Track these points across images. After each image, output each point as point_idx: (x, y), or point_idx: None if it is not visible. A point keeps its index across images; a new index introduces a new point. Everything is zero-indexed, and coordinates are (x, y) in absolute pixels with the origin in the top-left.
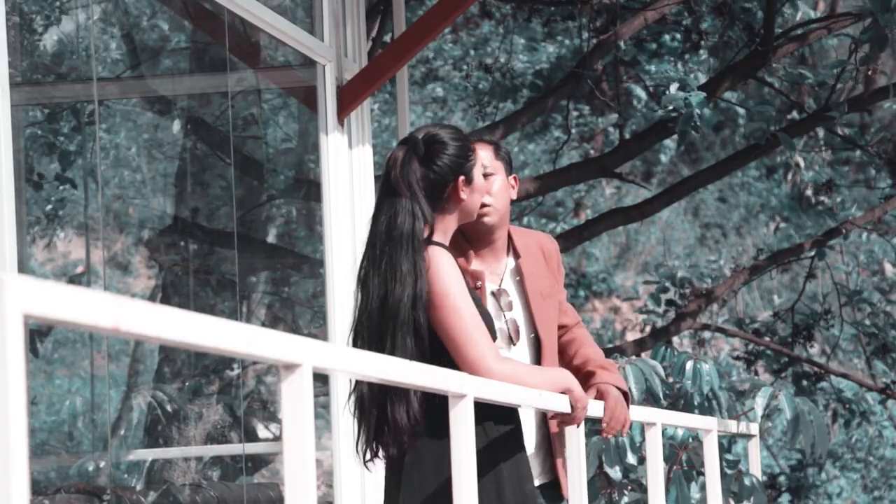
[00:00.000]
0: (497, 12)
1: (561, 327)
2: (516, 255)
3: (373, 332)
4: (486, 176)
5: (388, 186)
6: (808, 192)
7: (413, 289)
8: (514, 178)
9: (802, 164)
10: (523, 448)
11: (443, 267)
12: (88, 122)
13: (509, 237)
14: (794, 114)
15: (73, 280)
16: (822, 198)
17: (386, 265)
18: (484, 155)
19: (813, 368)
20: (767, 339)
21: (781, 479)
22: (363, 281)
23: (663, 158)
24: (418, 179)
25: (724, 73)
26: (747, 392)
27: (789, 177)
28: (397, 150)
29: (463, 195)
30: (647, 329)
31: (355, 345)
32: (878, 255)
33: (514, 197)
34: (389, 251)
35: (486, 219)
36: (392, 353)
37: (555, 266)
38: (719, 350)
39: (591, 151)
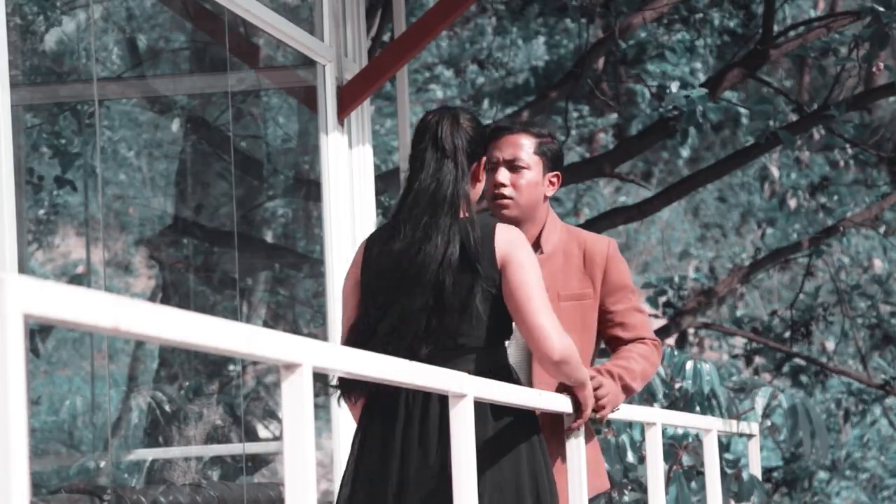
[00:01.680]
0: (490, 7)
1: (614, 339)
2: (539, 253)
3: (390, 283)
4: (516, 169)
5: (436, 145)
6: (789, 198)
7: (444, 251)
8: (558, 175)
9: (777, 174)
10: None
11: (527, 245)
12: (88, 123)
13: (539, 234)
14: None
15: (73, 280)
16: (805, 202)
17: (425, 224)
18: (525, 146)
19: (813, 366)
20: (766, 337)
21: (776, 474)
22: (392, 228)
23: (683, 153)
24: (463, 148)
25: (724, 73)
26: (747, 391)
27: (766, 186)
28: (440, 116)
29: (481, 176)
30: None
31: (362, 296)
32: (865, 254)
33: (550, 194)
34: (430, 211)
35: (504, 211)
36: (406, 303)
37: (597, 270)
38: (720, 350)
39: (588, 154)
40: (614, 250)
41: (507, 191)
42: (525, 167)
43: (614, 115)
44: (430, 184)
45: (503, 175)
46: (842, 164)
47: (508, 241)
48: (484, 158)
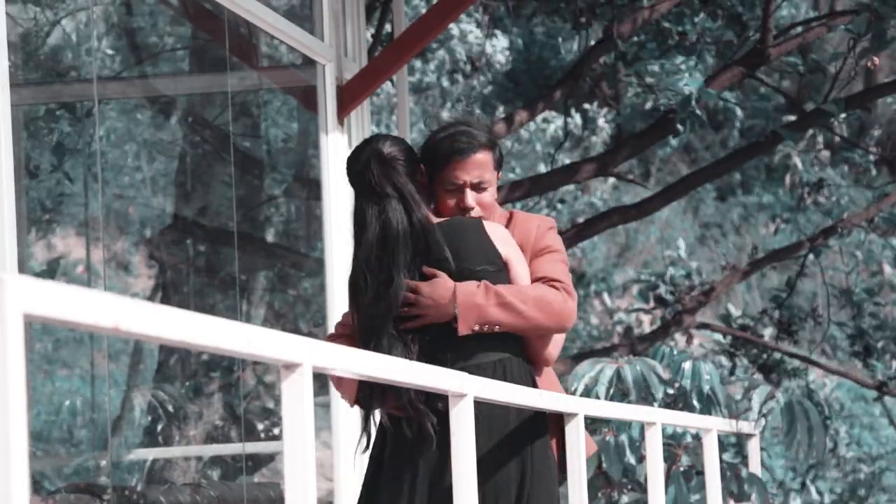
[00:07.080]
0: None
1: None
2: None
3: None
4: (481, 189)
5: (374, 195)
6: (805, 193)
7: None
8: (499, 173)
9: (800, 164)
10: None
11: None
12: (89, 122)
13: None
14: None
15: (71, 279)
16: (818, 198)
17: (386, 266)
18: (488, 164)
19: (799, 367)
20: (751, 335)
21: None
22: (359, 284)
23: (661, 154)
24: (404, 183)
25: (723, 72)
26: (744, 392)
27: (787, 178)
28: (366, 160)
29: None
30: (643, 325)
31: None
32: (877, 255)
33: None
34: (391, 253)
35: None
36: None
37: (523, 241)
38: (711, 348)
39: (584, 153)
40: (546, 223)
41: (475, 212)
42: (489, 185)
43: (612, 115)
44: (378, 232)
45: (471, 197)
46: (852, 163)
47: (503, 239)
48: (423, 166)
